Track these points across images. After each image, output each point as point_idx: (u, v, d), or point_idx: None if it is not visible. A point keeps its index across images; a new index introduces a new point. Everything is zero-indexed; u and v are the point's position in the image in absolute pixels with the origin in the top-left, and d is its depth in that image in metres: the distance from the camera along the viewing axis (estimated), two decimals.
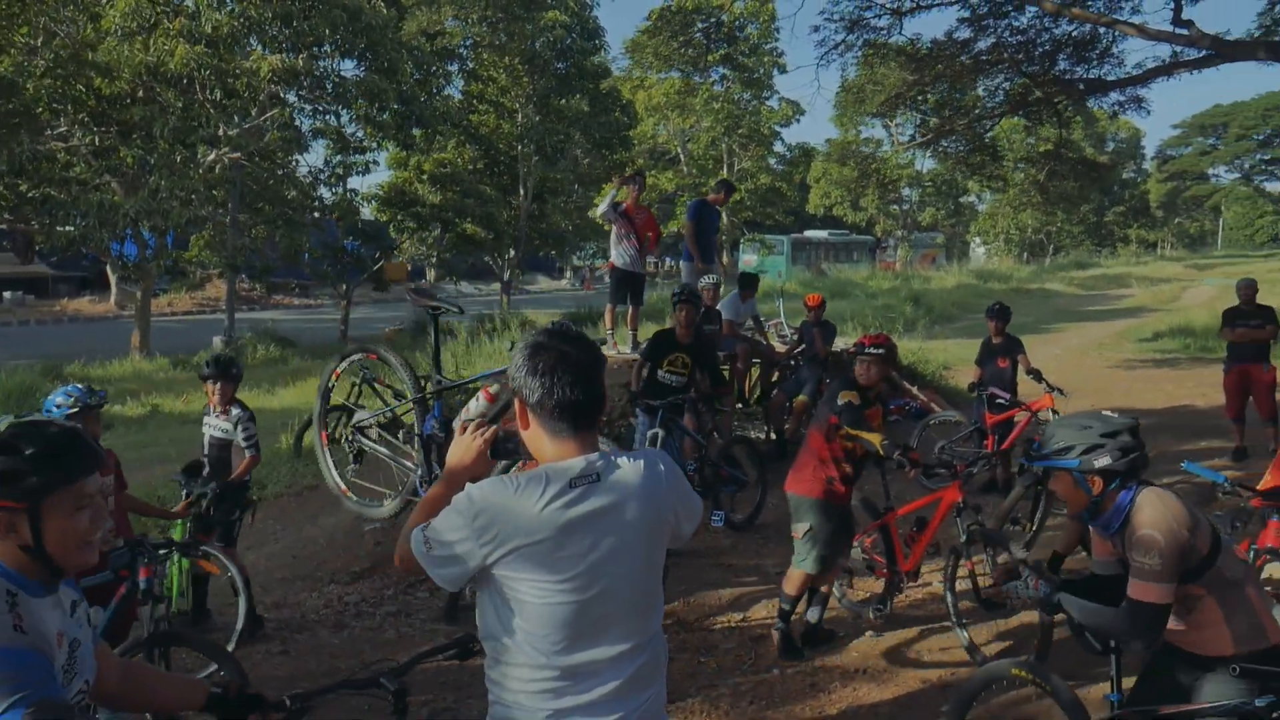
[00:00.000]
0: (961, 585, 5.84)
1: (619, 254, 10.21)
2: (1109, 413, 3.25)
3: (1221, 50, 13.55)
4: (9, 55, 17.05)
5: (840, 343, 11.24)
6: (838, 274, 40.08)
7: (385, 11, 21.60)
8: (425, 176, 27.41)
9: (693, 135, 39.09)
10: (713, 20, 36.99)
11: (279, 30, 19.75)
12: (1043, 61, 17.01)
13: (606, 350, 9.78)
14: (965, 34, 16.99)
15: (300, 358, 20.30)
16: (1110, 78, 16.73)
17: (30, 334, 26.01)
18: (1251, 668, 2.96)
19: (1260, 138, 68.48)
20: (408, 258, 31.44)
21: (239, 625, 5.51)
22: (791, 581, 5.76)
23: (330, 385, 4.62)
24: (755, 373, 11.14)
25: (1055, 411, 7.74)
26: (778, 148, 44.40)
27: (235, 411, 6.20)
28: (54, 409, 4.93)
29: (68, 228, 19.14)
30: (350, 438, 4.52)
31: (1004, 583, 3.46)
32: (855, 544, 6.08)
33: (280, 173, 23.11)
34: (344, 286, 26.29)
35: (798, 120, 40.34)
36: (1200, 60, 14.31)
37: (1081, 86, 17.28)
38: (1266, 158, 70.68)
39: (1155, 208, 76.95)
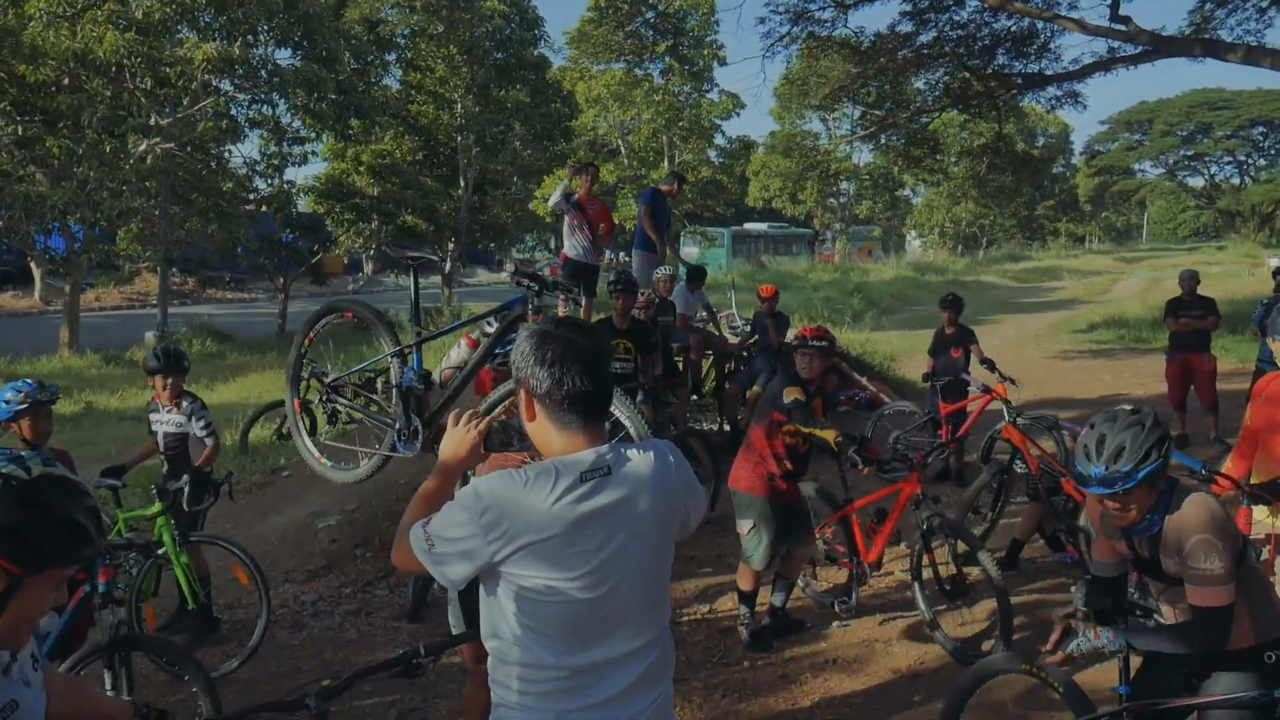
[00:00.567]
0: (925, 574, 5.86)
1: (572, 245, 10.09)
2: (1125, 405, 3.09)
3: (1159, 46, 13.86)
4: None
5: (792, 334, 11.26)
6: (777, 266, 40.35)
7: None
8: (363, 168, 26.99)
9: (633, 127, 39.00)
10: (657, 10, 36.90)
11: (212, 17, 19.26)
12: (982, 56, 17.29)
13: None
14: (907, 27, 17.19)
15: (238, 353, 19.81)
16: (1049, 72, 17.05)
17: None
18: None
19: (1184, 134, 70.24)
20: (344, 250, 30.91)
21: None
22: (744, 577, 5.75)
23: (304, 350, 4.44)
24: (708, 364, 11.12)
25: (1007, 401, 7.76)
26: (718, 140, 44.54)
27: (186, 404, 5.99)
28: (2, 404, 4.71)
29: None
30: (324, 399, 4.35)
31: (1061, 645, 3.19)
32: (817, 536, 6.09)
33: (214, 164, 22.51)
34: (281, 280, 25.76)
35: (738, 114, 40.40)
36: (1138, 56, 14.63)
37: (1020, 81, 17.59)
38: (1190, 154, 72.54)
39: (1084, 202, 78.64)
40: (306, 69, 20.55)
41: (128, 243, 22.89)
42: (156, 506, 5.41)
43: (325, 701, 2.42)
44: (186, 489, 5.44)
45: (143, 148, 19.04)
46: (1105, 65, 15.60)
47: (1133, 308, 24.66)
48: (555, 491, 2.03)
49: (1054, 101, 18.75)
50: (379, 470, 4.24)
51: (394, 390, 4.03)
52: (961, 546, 5.83)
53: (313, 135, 23.46)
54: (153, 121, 19.07)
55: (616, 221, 12.26)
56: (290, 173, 24.18)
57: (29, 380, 4.91)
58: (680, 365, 10.14)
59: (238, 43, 19.64)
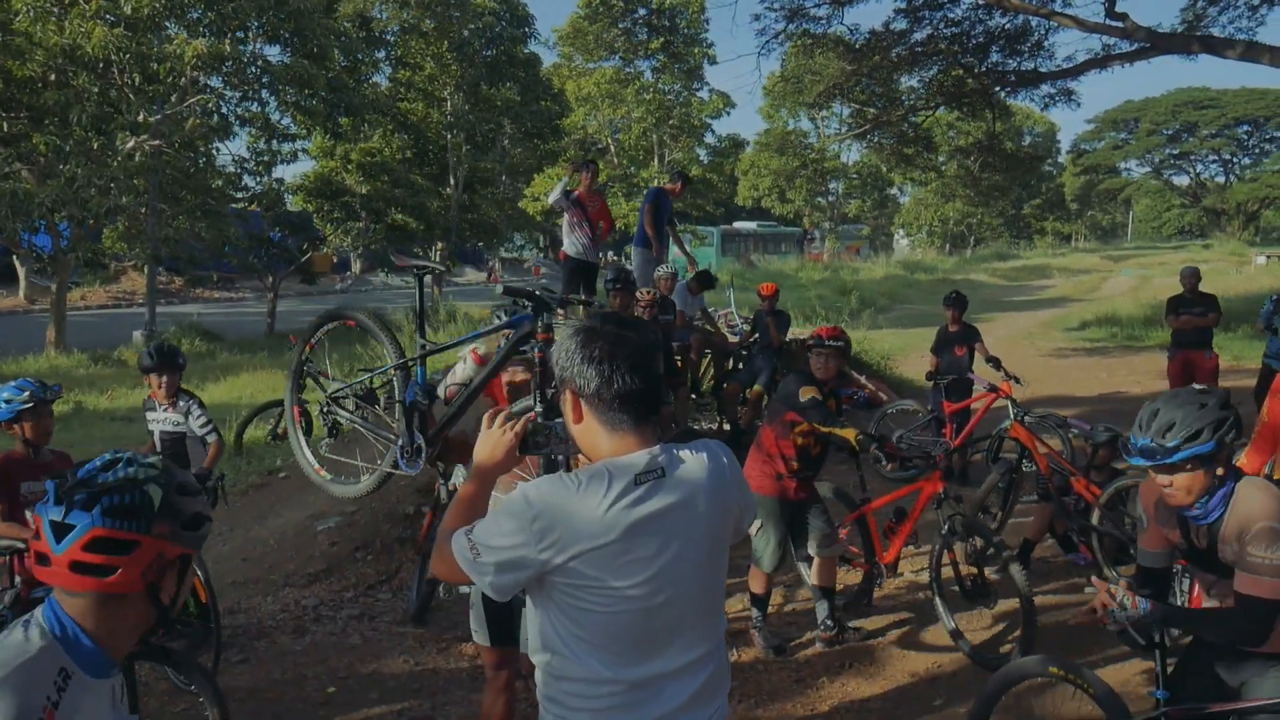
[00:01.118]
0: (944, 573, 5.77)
1: (571, 243, 9.99)
2: (1197, 386, 3.02)
3: (1156, 43, 13.83)
4: None
5: (793, 333, 11.18)
6: (766, 265, 40.27)
7: None
8: (353, 166, 26.78)
9: (623, 126, 38.86)
10: (649, 8, 36.75)
11: (202, 13, 19.06)
12: (976, 53, 17.25)
13: None
14: (902, 25, 17.14)
15: (228, 352, 19.61)
16: (1043, 69, 17.02)
17: None
18: None
19: (1169, 133, 70.62)
20: (333, 249, 30.67)
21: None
22: (755, 580, 5.67)
23: (305, 358, 4.29)
24: (706, 362, 11.04)
25: (1011, 400, 7.66)
26: (708, 139, 44.41)
27: (182, 402, 5.85)
28: (3, 403, 4.56)
29: None
30: (324, 410, 4.20)
31: (1101, 609, 3.05)
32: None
33: (203, 162, 22.28)
34: (270, 279, 25.53)
35: (728, 112, 40.24)
36: (1134, 53, 14.60)
37: (1014, 78, 17.55)
38: (1175, 152, 72.95)
39: (1070, 200, 78.98)
40: (296, 65, 20.30)
41: (114, 241, 22.64)
42: None
43: None
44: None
45: (131, 145, 18.79)
46: (1102, 62, 15.57)
47: (1124, 305, 24.68)
48: (609, 496, 1.93)
49: (1047, 100, 18.70)
50: (380, 487, 4.10)
51: (397, 405, 3.89)
52: (980, 544, 5.74)
53: (302, 133, 23.26)
54: (141, 118, 18.83)
55: None
56: (279, 171, 23.97)
57: (30, 379, 4.76)
58: (680, 364, 10.05)
59: (227, 39, 19.38)
